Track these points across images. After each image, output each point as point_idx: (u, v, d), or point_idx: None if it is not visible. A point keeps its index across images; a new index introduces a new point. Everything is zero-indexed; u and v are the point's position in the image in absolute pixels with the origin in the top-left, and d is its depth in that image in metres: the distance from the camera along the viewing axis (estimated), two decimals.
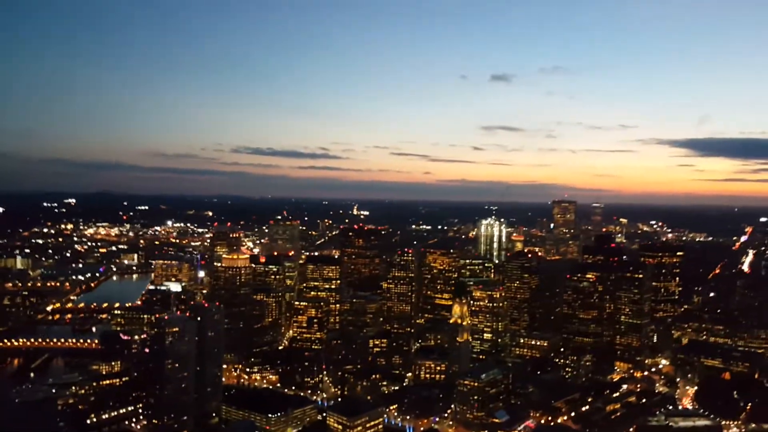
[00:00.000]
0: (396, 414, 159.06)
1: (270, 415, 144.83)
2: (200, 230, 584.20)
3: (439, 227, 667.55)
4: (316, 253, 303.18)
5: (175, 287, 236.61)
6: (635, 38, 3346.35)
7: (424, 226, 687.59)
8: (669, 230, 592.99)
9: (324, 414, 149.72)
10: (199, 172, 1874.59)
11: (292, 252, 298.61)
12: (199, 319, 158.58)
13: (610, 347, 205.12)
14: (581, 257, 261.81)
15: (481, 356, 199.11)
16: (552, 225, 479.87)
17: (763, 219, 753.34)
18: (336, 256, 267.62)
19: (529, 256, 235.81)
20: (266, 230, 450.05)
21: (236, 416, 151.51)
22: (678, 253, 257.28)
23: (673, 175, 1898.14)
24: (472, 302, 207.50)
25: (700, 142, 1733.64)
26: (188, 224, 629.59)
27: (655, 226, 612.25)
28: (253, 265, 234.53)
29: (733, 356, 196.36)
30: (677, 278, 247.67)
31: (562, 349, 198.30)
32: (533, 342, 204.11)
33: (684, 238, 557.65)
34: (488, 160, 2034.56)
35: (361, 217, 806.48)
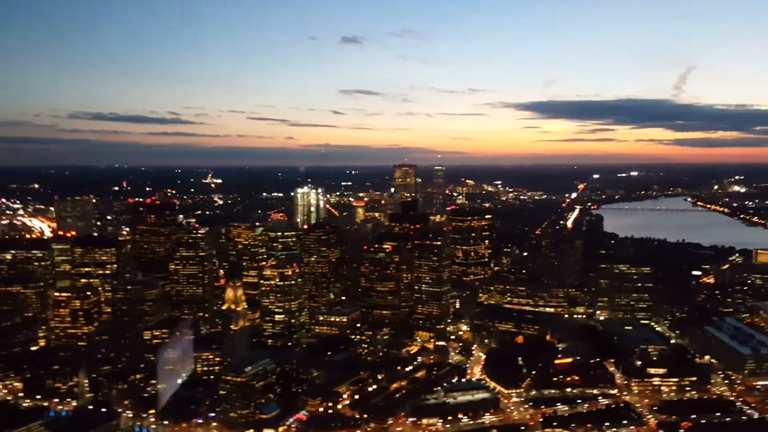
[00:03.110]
0: (152, 419, 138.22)
1: None
2: (16, 206, 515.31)
3: (292, 194, 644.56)
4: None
5: None
6: (482, 2, 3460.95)
7: (276, 194, 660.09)
8: (510, 189, 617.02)
9: None
10: (33, 140, 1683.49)
11: (75, 231, 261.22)
12: None
13: (410, 318, 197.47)
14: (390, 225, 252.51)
15: (269, 340, 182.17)
16: (393, 189, 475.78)
17: (595, 176, 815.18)
18: (112, 238, 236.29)
19: (327, 227, 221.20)
20: (52, 208, 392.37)
21: None
22: (487, 216, 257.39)
23: (520, 137, 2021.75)
24: (262, 281, 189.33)
25: (543, 105, 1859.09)
26: (5, 200, 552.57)
27: (498, 187, 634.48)
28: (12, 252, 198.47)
29: (526, 319, 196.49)
30: (487, 241, 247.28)
31: (358, 325, 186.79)
32: (332, 319, 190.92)
33: (522, 197, 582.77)
34: (349, 124, 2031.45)
35: (212, 186, 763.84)
